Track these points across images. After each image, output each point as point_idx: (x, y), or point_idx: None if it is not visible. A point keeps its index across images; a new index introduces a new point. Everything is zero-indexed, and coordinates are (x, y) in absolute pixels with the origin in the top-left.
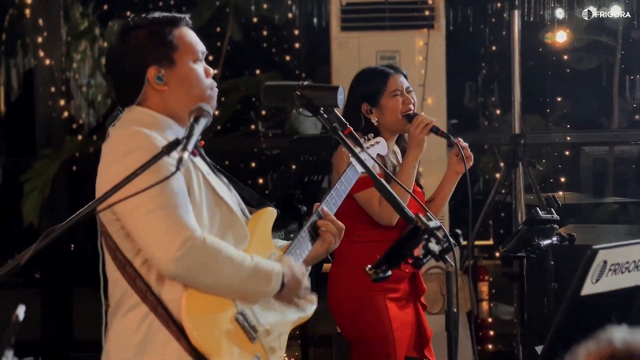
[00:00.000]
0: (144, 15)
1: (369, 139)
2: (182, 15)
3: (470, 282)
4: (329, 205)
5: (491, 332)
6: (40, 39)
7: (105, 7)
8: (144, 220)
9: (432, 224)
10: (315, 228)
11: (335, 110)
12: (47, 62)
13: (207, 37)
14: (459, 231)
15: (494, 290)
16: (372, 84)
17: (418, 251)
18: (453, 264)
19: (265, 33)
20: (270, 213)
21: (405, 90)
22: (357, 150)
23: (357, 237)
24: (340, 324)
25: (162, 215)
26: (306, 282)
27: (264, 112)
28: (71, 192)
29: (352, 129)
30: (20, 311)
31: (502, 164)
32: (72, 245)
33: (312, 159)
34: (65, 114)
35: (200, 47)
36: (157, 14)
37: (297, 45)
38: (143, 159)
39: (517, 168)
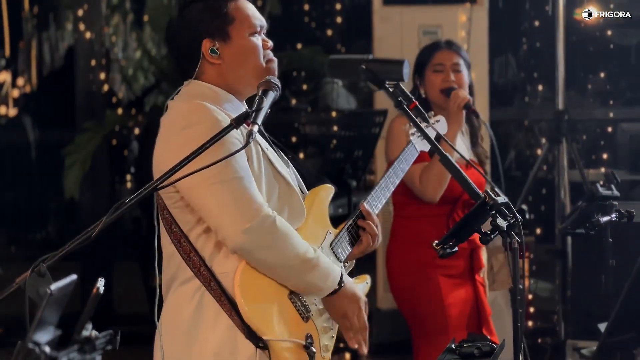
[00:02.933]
0: None
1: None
2: None
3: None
4: (375, 199)
5: (531, 309)
6: (80, 12)
7: None
8: (210, 192)
9: (500, 199)
10: (355, 227)
11: (400, 84)
12: (88, 35)
13: None
14: (524, 207)
15: (534, 267)
16: (421, 56)
17: (485, 227)
18: (519, 240)
19: (306, 7)
20: (327, 190)
21: (452, 66)
22: (423, 125)
23: (409, 212)
24: (396, 298)
25: (230, 187)
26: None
27: (304, 87)
28: (111, 165)
29: (417, 103)
30: (101, 284)
31: (543, 140)
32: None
33: (355, 134)
34: (105, 87)
35: (259, 20)
36: None
37: (338, 19)
38: (203, 133)
39: (560, 144)
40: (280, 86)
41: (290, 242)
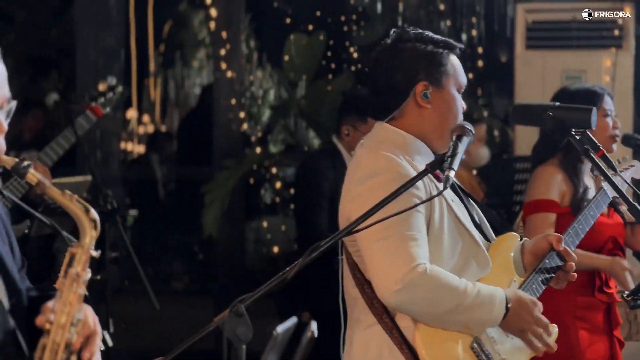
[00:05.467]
0: (419, 31)
1: (620, 162)
2: (459, 44)
3: None
4: (570, 239)
5: None
6: (223, 51)
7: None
8: (373, 247)
9: None
10: (546, 271)
11: (588, 132)
12: (229, 74)
13: None
14: None
15: None
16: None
17: None
18: None
19: None
20: (513, 238)
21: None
22: (609, 173)
23: None
24: None
25: (390, 245)
26: (537, 311)
27: None
28: (247, 204)
29: (605, 151)
30: (314, 328)
31: None
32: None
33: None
34: (245, 126)
35: (464, 79)
36: (429, 34)
37: (479, 63)
38: (387, 183)
39: None
40: (473, 132)
41: (444, 287)
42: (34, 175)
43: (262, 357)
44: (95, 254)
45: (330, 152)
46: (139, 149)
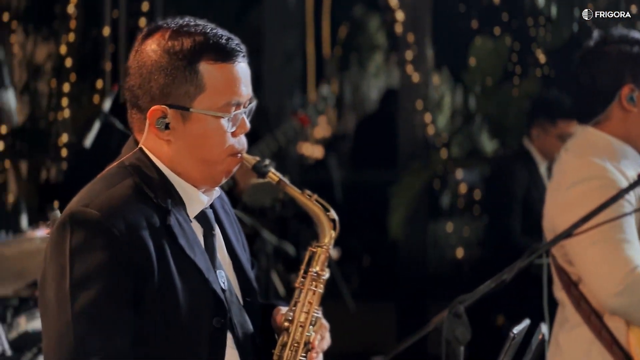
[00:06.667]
0: (624, 32)
1: None
2: None
3: None
4: None
5: None
6: (410, 55)
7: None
8: (587, 251)
9: None
10: None
11: None
12: (415, 78)
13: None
14: None
15: None
16: None
17: None
18: None
19: None
20: None
21: None
22: None
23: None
24: None
25: (606, 248)
26: None
27: None
28: (430, 207)
29: None
30: (544, 331)
31: None
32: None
33: None
34: (431, 130)
35: None
36: (634, 35)
37: None
38: (595, 189)
39: None
40: None
41: None
42: (274, 174)
43: (499, 358)
44: (335, 253)
45: (521, 154)
46: (317, 152)
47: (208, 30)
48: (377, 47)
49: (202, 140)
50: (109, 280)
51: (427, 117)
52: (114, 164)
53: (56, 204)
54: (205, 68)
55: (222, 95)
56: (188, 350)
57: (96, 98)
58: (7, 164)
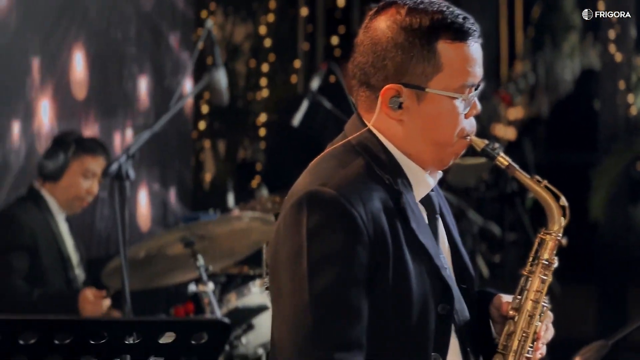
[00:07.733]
0: None
1: None
2: None
3: None
4: None
5: None
6: (612, 34)
7: None
8: None
9: None
10: None
11: None
12: (618, 57)
13: None
14: None
15: None
16: None
17: None
18: None
19: None
20: None
21: None
22: None
23: None
24: None
25: None
26: None
27: None
28: (633, 189)
29: None
30: None
31: None
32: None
33: None
34: (633, 110)
35: None
36: None
37: None
38: None
39: None
40: None
41: None
42: (504, 158)
43: None
44: (564, 241)
45: None
46: (509, 133)
47: (445, 9)
48: (572, 27)
49: (435, 121)
50: (348, 263)
51: (630, 98)
52: (339, 142)
53: (254, 183)
54: (443, 47)
55: (458, 76)
56: (415, 336)
57: (293, 78)
58: (207, 143)
